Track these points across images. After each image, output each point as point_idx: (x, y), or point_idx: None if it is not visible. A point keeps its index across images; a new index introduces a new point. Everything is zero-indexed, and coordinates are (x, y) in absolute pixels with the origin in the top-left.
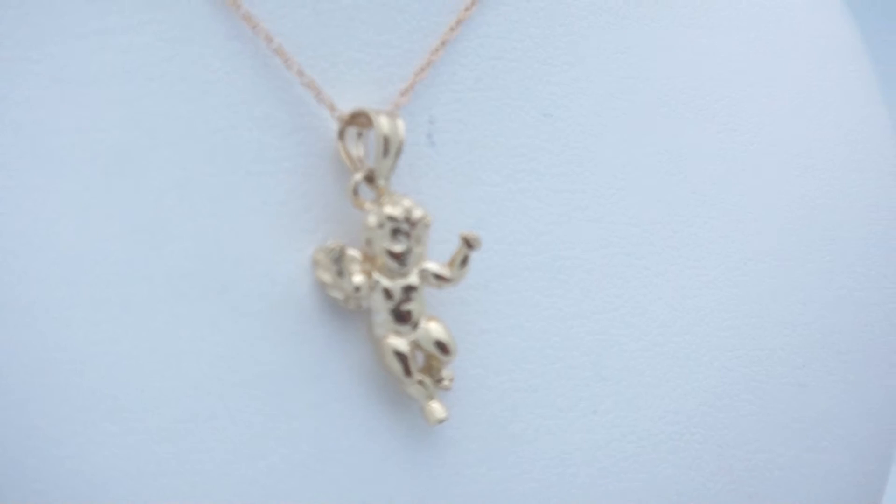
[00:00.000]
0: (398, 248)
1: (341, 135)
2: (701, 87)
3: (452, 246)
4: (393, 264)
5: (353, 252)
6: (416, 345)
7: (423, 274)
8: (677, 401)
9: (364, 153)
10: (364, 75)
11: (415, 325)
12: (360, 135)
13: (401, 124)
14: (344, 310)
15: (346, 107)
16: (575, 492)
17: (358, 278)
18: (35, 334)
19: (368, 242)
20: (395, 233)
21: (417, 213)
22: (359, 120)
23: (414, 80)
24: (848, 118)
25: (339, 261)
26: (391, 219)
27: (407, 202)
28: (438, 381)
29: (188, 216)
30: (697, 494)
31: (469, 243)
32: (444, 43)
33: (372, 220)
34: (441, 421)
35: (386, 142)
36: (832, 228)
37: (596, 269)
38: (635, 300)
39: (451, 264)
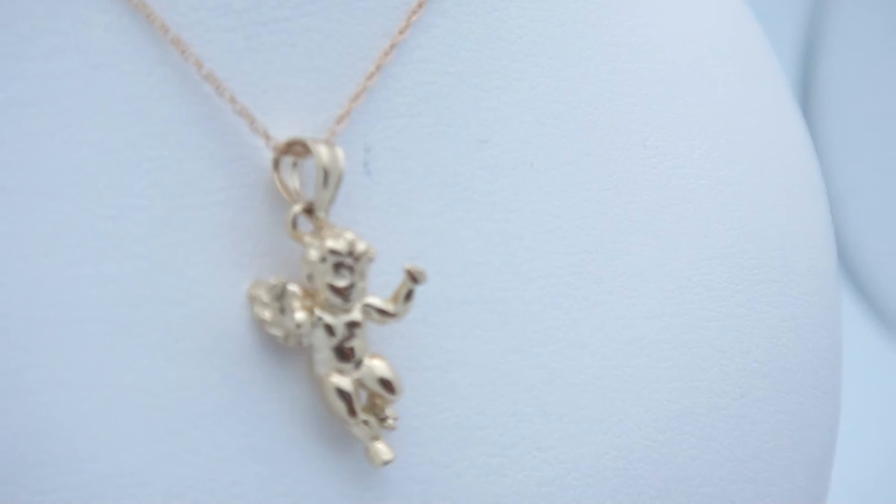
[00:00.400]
0: (341, 282)
1: (276, 165)
2: (628, 112)
3: (391, 278)
4: (336, 300)
5: (294, 288)
6: (359, 383)
7: (366, 309)
8: (620, 436)
9: (300, 184)
10: (296, 101)
11: (358, 363)
12: (294, 164)
13: (340, 153)
14: (283, 347)
15: (281, 135)
16: None
17: (300, 315)
18: None
19: (309, 277)
20: (338, 267)
21: (361, 247)
22: (294, 149)
23: (349, 107)
24: (773, 141)
25: (281, 297)
26: (334, 252)
27: (349, 235)
28: (382, 420)
29: (117, 252)
30: None
31: (414, 277)
32: (378, 67)
33: (314, 254)
34: (387, 462)
35: (326, 172)
36: (765, 254)
37: (534, 301)
38: (574, 332)
39: (394, 299)
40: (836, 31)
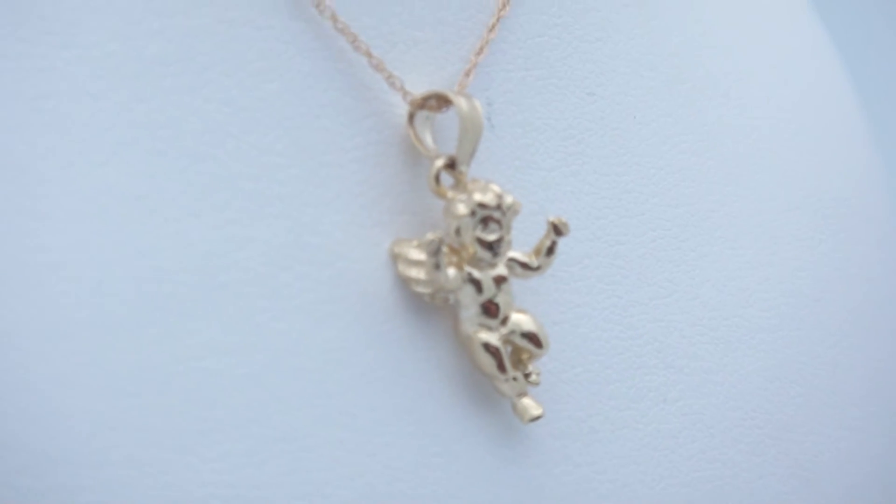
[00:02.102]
0: (491, 236)
1: (411, 119)
2: (712, 63)
3: (516, 233)
4: (485, 254)
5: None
6: (506, 339)
7: (510, 264)
8: (736, 386)
9: (433, 138)
10: (424, 55)
11: (504, 319)
12: (427, 119)
13: (478, 106)
14: (425, 306)
15: (412, 89)
16: (652, 488)
17: (451, 271)
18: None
19: (457, 232)
20: (486, 221)
21: (508, 200)
22: (429, 103)
23: (475, 60)
24: (837, 97)
25: (437, 254)
26: (482, 206)
27: (496, 188)
28: (526, 376)
29: (264, 213)
30: (764, 483)
31: (558, 229)
32: (498, 19)
33: (462, 208)
34: (536, 418)
35: (467, 125)
36: (842, 203)
37: (648, 254)
38: (686, 284)
39: (536, 252)
40: None
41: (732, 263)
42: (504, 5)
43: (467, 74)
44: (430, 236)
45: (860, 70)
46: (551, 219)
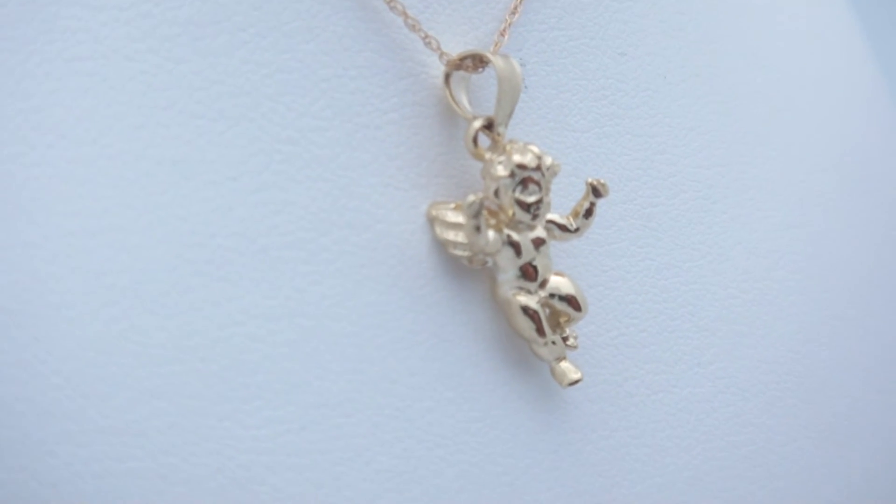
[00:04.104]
0: (531, 198)
1: (447, 80)
2: (739, 24)
3: (553, 196)
4: (525, 216)
5: None
6: (545, 302)
7: (548, 226)
8: (768, 349)
9: (468, 100)
10: (458, 15)
11: (542, 282)
12: (463, 79)
13: (517, 66)
14: (463, 269)
15: (447, 49)
16: (688, 451)
17: (491, 233)
18: (154, 315)
19: (496, 193)
20: (526, 182)
21: (548, 161)
22: (465, 63)
23: (509, 20)
24: (859, 62)
25: (477, 216)
26: (522, 167)
27: (535, 149)
28: (564, 339)
29: (302, 175)
30: (797, 445)
31: (597, 191)
32: None
33: (501, 169)
34: (575, 382)
35: (505, 86)
36: (867, 165)
37: (680, 216)
38: (718, 246)
39: (574, 215)
40: None
41: (762, 225)
42: None
43: (502, 34)
44: (470, 198)
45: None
46: (590, 180)
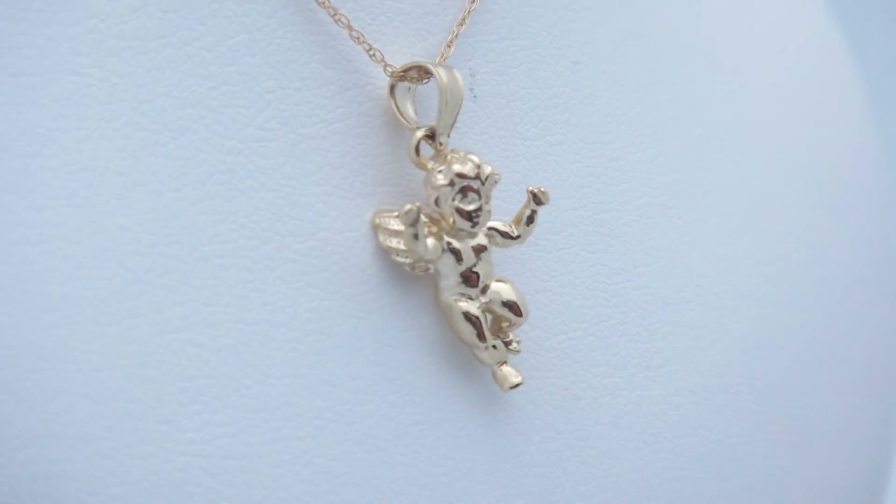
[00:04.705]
0: (470, 206)
1: (392, 91)
2: (703, 32)
3: (500, 203)
4: (465, 224)
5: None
6: (486, 308)
7: (490, 233)
8: (722, 352)
9: (414, 109)
10: (405, 27)
11: (484, 288)
12: (409, 90)
13: (460, 77)
14: (407, 276)
15: (393, 60)
16: (635, 454)
17: (431, 241)
18: (94, 323)
19: (437, 202)
20: (465, 191)
21: (487, 170)
22: (410, 74)
23: (457, 31)
24: (832, 67)
25: (416, 224)
26: (461, 176)
27: (475, 158)
28: (507, 344)
29: (246, 185)
30: (750, 447)
31: (538, 198)
32: None
33: (441, 178)
34: (515, 386)
35: (447, 96)
36: (835, 169)
37: (633, 222)
38: (672, 251)
39: (516, 222)
40: None
41: (720, 230)
42: None
43: (449, 45)
44: (407, 207)
45: (859, 36)
46: (531, 188)
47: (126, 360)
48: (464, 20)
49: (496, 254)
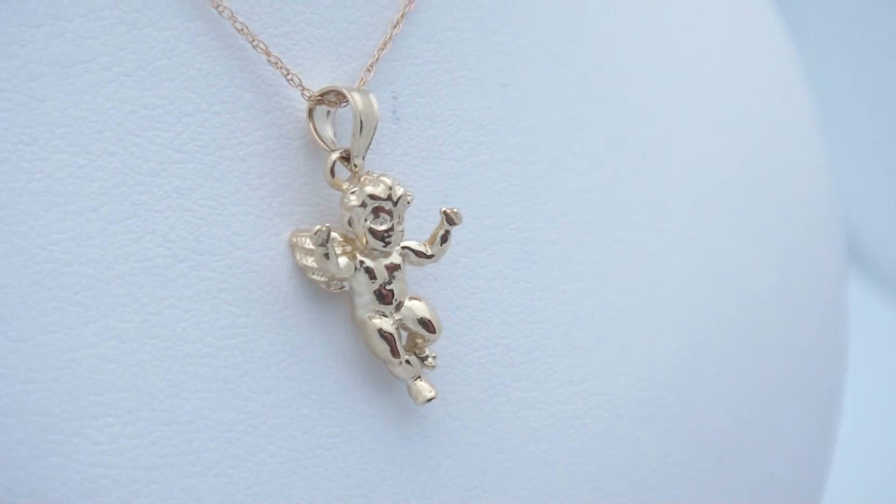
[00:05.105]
0: (381, 226)
1: (311, 114)
2: (634, 52)
3: (423, 222)
4: (376, 244)
5: (334, 234)
6: (400, 325)
7: (405, 252)
8: (647, 367)
9: (334, 133)
10: (326, 52)
11: (398, 305)
12: (328, 113)
13: (374, 101)
14: (324, 293)
15: (313, 85)
16: (554, 466)
17: (343, 260)
18: (9, 339)
19: (350, 222)
20: (377, 211)
21: (399, 191)
22: (328, 98)
23: (378, 56)
24: (772, 81)
25: (326, 243)
26: (373, 197)
27: (387, 180)
28: (423, 359)
29: (162, 206)
30: (672, 459)
31: (450, 219)
32: (403, 15)
33: (353, 199)
34: (429, 400)
35: (361, 119)
36: (770, 186)
37: (559, 240)
38: (599, 268)
39: (431, 241)
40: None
41: (648, 247)
42: (410, 2)
43: (369, 69)
44: (317, 227)
45: (810, 53)
46: (443, 209)
47: (39, 374)
48: (385, 44)
49: (419, 270)
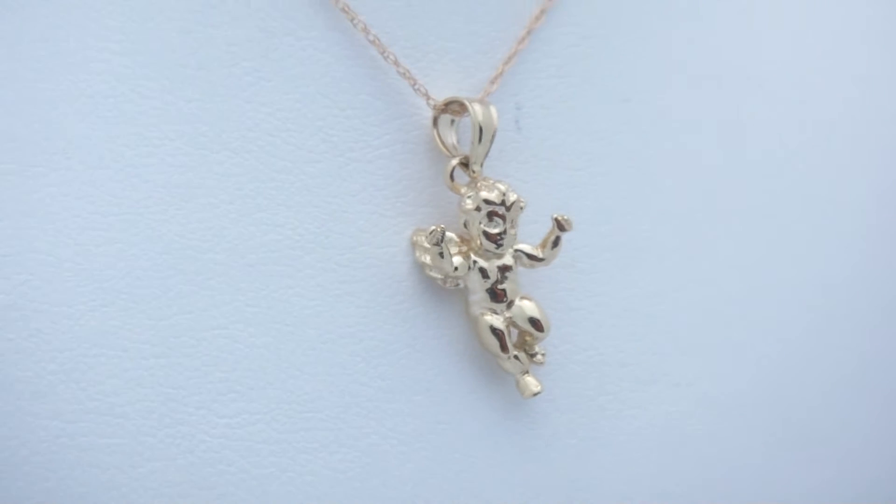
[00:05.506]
0: (494, 230)
1: (435, 122)
2: (757, 59)
3: (540, 227)
4: (489, 245)
5: (451, 234)
6: (511, 322)
7: (517, 254)
8: (755, 374)
9: (457, 139)
10: (454, 64)
11: (509, 304)
12: (452, 122)
13: (494, 111)
14: (441, 289)
15: (440, 95)
16: (657, 464)
17: (457, 259)
18: (147, 317)
19: (465, 225)
20: (491, 215)
21: (512, 197)
22: (452, 107)
23: (502, 69)
24: (883, 95)
25: (440, 243)
26: (487, 202)
27: (502, 186)
28: (532, 356)
29: (293, 201)
30: (774, 464)
31: (561, 225)
32: (529, 32)
33: (469, 203)
34: (535, 394)
35: (480, 129)
36: (870, 194)
37: (670, 246)
38: (706, 275)
39: (542, 245)
40: None
41: (753, 255)
42: (537, 18)
43: (493, 82)
44: (432, 227)
45: None
46: (555, 215)
47: (172, 350)
48: (510, 58)
49: (536, 272)
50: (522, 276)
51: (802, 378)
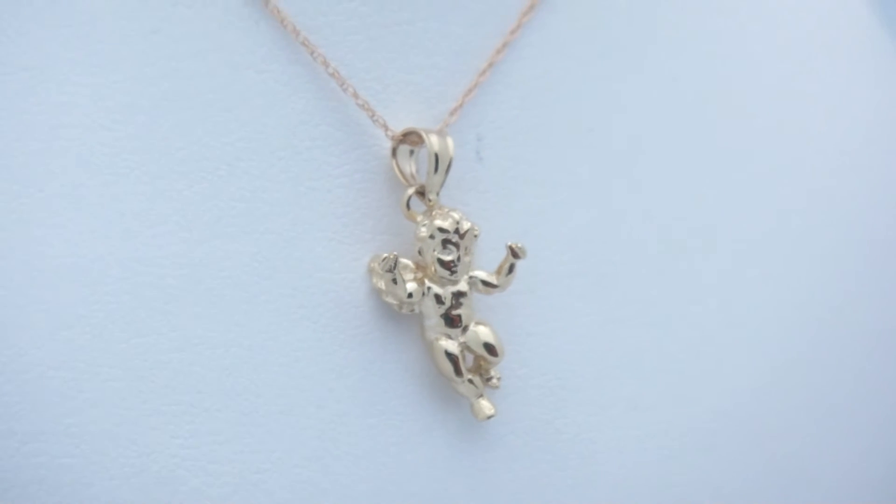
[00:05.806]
0: (448, 257)
1: (394, 152)
2: (730, 88)
3: (500, 254)
4: (443, 272)
5: (406, 261)
6: (465, 347)
7: (472, 281)
8: (712, 396)
9: (415, 169)
10: (415, 96)
11: (464, 329)
12: (411, 152)
13: (450, 142)
14: (397, 315)
15: (399, 126)
16: (614, 488)
17: (411, 285)
18: (103, 340)
19: (420, 252)
20: (445, 243)
21: (465, 225)
22: (410, 138)
23: (462, 100)
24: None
25: (393, 269)
26: (441, 230)
27: (456, 214)
28: (487, 380)
29: (252, 229)
30: (735, 487)
31: (515, 253)
32: (490, 64)
33: (423, 231)
34: (489, 417)
35: (436, 158)
36: (864, 218)
37: (638, 275)
38: (673, 303)
39: (498, 272)
40: None
41: (726, 284)
42: (499, 51)
43: (452, 113)
44: (384, 255)
45: None
46: (509, 243)
47: (129, 373)
48: (470, 90)
49: (494, 298)
50: (482, 301)
51: (767, 403)
